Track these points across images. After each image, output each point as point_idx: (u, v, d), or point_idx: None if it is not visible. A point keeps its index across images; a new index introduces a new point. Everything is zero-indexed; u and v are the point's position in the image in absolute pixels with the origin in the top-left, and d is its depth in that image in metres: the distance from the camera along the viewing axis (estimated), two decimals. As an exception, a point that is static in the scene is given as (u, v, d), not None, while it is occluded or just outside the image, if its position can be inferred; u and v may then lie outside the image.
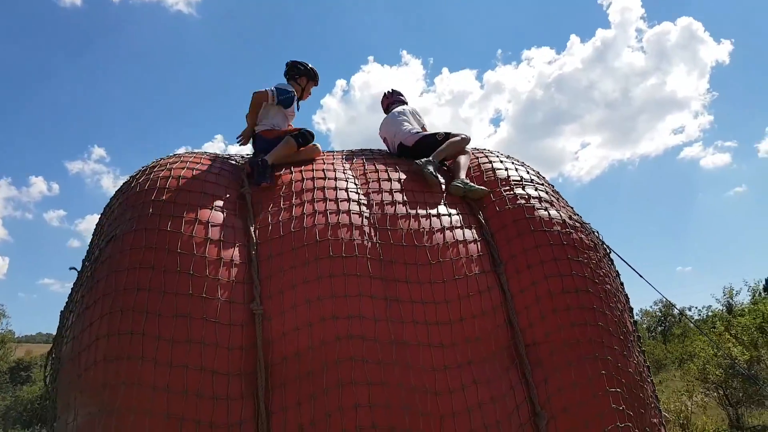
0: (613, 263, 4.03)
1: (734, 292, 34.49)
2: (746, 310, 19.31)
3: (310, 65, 4.51)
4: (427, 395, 2.97)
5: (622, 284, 3.97)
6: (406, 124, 4.58)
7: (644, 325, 48.57)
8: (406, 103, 5.02)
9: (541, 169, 4.44)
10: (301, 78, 4.43)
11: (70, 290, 3.79)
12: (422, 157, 4.01)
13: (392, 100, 5.03)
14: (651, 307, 49.33)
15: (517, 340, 3.30)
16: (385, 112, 4.99)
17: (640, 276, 4.22)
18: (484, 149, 4.51)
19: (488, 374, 3.15)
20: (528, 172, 4.19)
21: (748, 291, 32.29)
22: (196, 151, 4.17)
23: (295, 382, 2.94)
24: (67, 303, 3.72)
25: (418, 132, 4.45)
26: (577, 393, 3.20)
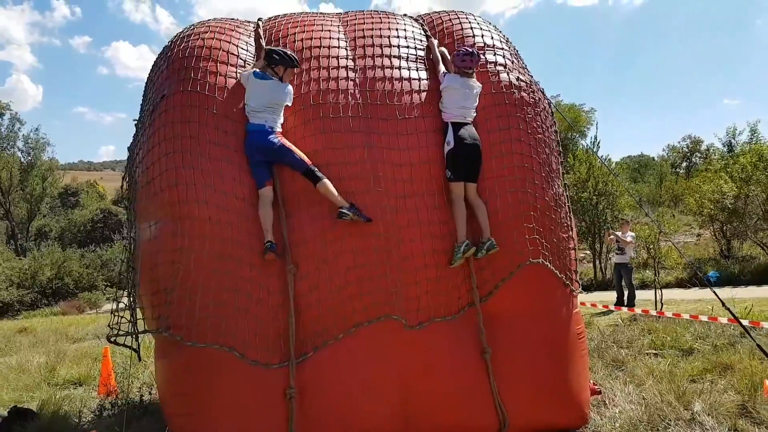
0: (552, 114, 5.08)
1: (737, 131, 34.72)
2: (745, 150, 20.04)
3: (285, 52, 4.39)
4: (396, 214, 4.34)
5: (556, 131, 5.08)
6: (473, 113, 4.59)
7: (669, 161, 49.07)
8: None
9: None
10: (278, 67, 4.37)
11: (133, 133, 5.08)
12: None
13: (477, 66, 4.68)
14: (678, 142, 49.26)
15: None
16: (458, 66, 4.61)
17: (575, 131, 5.24)
18: (460, 13, 5.29)
19: (438, 201, 4.47)
20: (492, 38, 5.05)
21: (748, 131, 32.74)
22: (219, 18, 5.12)
23: (298, 209, 4.32)
24: (132, 141, 5.03)
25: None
26: (499, 215, 4.52)
